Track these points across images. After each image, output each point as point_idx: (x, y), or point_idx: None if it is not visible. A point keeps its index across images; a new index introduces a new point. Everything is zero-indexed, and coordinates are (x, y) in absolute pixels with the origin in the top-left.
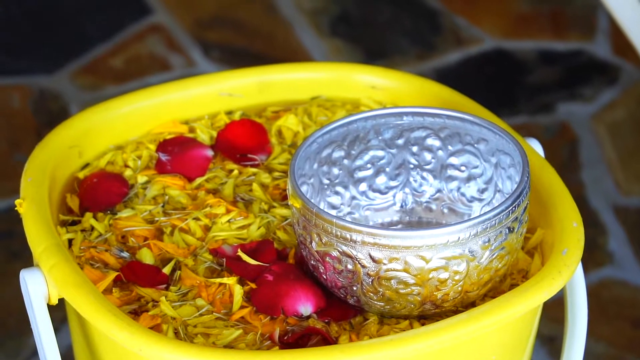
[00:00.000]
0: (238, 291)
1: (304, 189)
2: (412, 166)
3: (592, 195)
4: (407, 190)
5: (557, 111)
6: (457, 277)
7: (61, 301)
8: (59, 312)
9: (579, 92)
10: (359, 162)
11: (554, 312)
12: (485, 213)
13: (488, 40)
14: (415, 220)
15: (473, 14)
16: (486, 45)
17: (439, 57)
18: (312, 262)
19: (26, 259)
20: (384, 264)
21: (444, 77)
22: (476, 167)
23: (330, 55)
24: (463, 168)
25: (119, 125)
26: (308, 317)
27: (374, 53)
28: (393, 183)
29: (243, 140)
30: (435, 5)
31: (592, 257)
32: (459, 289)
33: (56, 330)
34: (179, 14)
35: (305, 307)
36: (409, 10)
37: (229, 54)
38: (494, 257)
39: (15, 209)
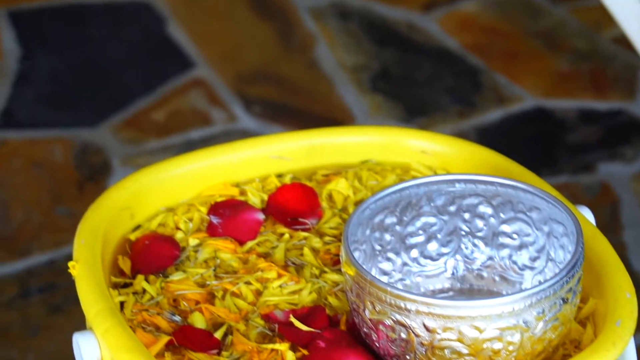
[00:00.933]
0: (290, 357)
1: (356, 254)
2: (463, 233)
3: (634, 256)
4: (458, 257)
5: (598, 171)
6: (510, 348)
7: None
8: None
9: (619, 152)
10: (410, 229)
11: None
12: (539, 284)
13: (529, 99)
14: (466, 287)
15: (514, 72)
16: (527, 103)
17: (479, 115)
18: (364, 329)
19: (67, 313)
20: (438, 334)
21: (485, 135)
22: (528, 235)
23: (370, 112)
24: (515, 236)
25: (169, 187)
26: None
27: (414, 110)
28: (444, 250)
29: (294, 204)
30: (476, 63)
31: None
32: (513, 359)
33: None
34: (221, 68)
35: None
36: (450, 67)
37: (270, 110)
38: (548, 327)
39: (69, 271)
